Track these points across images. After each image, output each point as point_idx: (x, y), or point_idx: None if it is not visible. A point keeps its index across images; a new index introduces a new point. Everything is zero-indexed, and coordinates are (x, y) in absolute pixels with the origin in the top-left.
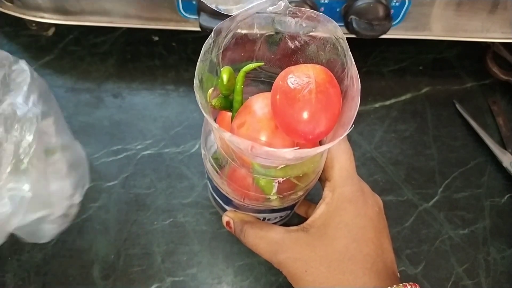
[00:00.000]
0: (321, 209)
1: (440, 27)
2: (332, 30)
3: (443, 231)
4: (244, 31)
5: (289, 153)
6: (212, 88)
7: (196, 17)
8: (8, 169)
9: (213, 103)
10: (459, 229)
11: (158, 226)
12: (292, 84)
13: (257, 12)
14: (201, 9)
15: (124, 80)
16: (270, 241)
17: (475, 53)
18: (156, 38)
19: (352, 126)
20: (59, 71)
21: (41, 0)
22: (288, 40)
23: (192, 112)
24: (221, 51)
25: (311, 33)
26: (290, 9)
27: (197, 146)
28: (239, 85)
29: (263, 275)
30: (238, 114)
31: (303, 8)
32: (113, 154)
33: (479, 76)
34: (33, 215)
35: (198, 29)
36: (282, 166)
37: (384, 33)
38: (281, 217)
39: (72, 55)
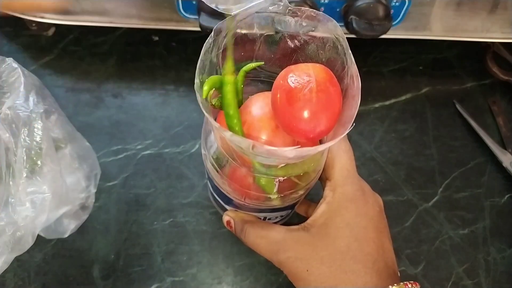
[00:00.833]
0: (322, 208)
1: (440, 27)
2: (332, 29)
3: (443, 231)
4: (243, 31)
5: (290, 152)
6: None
7: (196, 17)
8: (24, 174)
9: (213, 103)
10: (459, 229)
11: (158, 226)
12: (293, 83)
13: (257, 12)
14: (201, 9)
15: (124, 80)
16: (271, 240)
17: (475, 53)
18: (156, 38)
19: (353, 124)
20: (59, 71)
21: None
22: (288, 40)
23: (192, 112)
24: (221, 50)
25: (311, 33)
26: (289, 8)
27: (197, 146)
28: (239, 85)
29: (263, 275)
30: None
31: (302, 8)
32: (113, 154)
33: (479, 76)
34: (55, 214)
35: (198, 29)
36: (283, 165)
37: (384, 33)
38: (281, 216)
39: (72, 55)
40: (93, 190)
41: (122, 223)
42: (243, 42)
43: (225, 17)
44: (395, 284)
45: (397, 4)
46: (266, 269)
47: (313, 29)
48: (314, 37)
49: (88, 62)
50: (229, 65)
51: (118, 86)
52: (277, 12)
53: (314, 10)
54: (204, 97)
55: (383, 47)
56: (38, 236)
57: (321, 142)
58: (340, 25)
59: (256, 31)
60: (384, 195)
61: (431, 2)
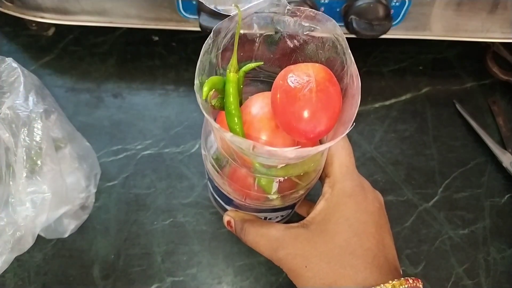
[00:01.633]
0: (321, 205)
1: (440, 27)
2: (331, 29)
3: (443, 231)
4: (243, 31)
5: (290, 152)
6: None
7: (196, 17)
8: (24, 174)
9: (213, 104)
10: (459, 229)
11: (158, 226)
12: (293, 83)
13: (256, 12)
14: (201, 9)
15: (124, 80)
16: (270, 238)
17: (475, 53)
18: (156, 38)
19: (353, 124)
20: (59, 71)
21: (41, 0)
22: (287, 40)
23: (192, 112)
24: (220, 51)
25: (310, 32)
26: (288, 8)
27: (197, 146)
28: (238, 85)
29: (263, 275)
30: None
31: (301, 7)
32: (113, 154)
33: (479, 76)
34: (55, 213)
35: (198, 29)
36: (283, 165)
37: (384, 33)
38: (282, 216)
39: (72, 55)
40: (93, 190)
41: (122, 223)
42: (242, 42)
43: (226, 17)
44: (395, 280)
45: (397, 4)
46: (266, 269)
47: (312, 28)
48: (313, 37)
49: (88, 62)
50: (233, 63)
51: (118, 86)
52: (276, 12)
53: (313, 10)
54: (204, 98)
55: (383, 47)
56: (38, 236)
57: (321, 141)
58: (340, 25)
59: (255, 31)
60: (384, 195)
61: (431, 2)
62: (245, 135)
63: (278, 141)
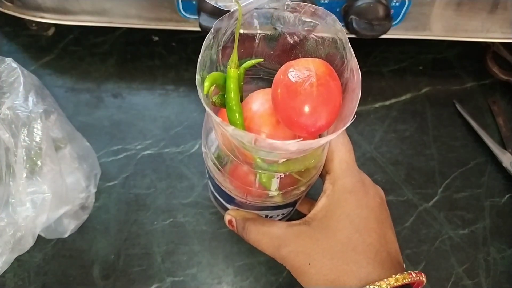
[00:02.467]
0: (322, 201)
1: (440, 27)
2: (331, 24)
3: (443, 231)
4: (242, 28)
5: (292, 145)
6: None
7: (196, 17)
8: (24, 174)
9: (213, 100)
10: (459, 229)
11: (158, 226)
12: (293, 77)
13: (256, 8)
14: (201, 9)
15: (124, 80)
16: (272, 236)
17: (475, 53)
18: (156, 38)
19: (354, 117)
20: (59, 71)
21: (41, 0)
22: (287, 36)
23: (192, 112)
24: (220, 47)
25: (310, 28)
26: (288, 4)
27: (197, 146)
28: (239, 81)
29: (263, 275)
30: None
31: (301, 3)
32: (113, 154)
33: (479, 76)
34: (55, 214)
35: (198, 29)
36: (284, 160)
37: (384, 33)
38: (283, 214)
39: (72, 55)
40: (93, 190)
41: (122, 223)
42: (242, 39)
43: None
44: (398, 274)
45: (397, 4)
46: (266, 269)
47: (312, 24)
48: (313, 32)
49: (88, 62)
50: (234, 59)
51: (118, 86)
52: (276, 8)
53: (313, 5)
54: (205, 93)
55: (383, 47)
56: (38, 236)
57: (321, 136)
58: None
59: (255, 27)
60: (384, 195)
61: (431, 2)
62: (246, 131)
63: (279, 136)
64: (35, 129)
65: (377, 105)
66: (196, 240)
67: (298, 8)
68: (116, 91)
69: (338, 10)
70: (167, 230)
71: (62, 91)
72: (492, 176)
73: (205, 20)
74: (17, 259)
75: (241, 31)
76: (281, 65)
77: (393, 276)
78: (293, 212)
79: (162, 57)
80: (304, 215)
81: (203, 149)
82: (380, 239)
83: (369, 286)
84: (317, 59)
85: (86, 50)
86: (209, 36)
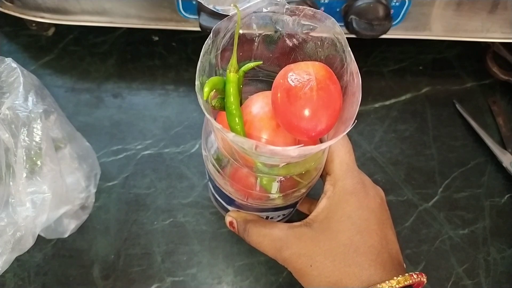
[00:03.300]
0: (323, 203)
1: (440, 27)
2: (330, 27)
3: (443, 231)
4: (242, 31)
5: (293, 151)
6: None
7: (196, 17)
8: (24, 174)
9: (213, 104)
10: (459, 229)
11: (158, 226)
12: (293, 81)
13: (255, 12)
14: (201, 9)
15: (124, 80)
16: (274, 238)
17: (475, 53)
18: (156, 38)
19: (355, 121)
20: (59, 71)
21: (41, 0)
22: (286, 38)
23: (192, 112)
24: (219, 51)
25: (309, 31)
26: (287, 7)
27: (197, 146)
28: (238, 85)
29: (263, 275)
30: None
31: (300, 6)
32: (113, 154)
33: (479, 76)
34: (55, 214)
35: (198, 29)
36: (285, 164)
37: (384, 33)
38: (284, 215)
39: (72, 55)
40: (93, 190)
41: (122, 223)
42: (241, 42)
43: (226, 17)
44: (400, 275)
45: (397, 4)
46: (266, 269)
47: (312, 27)
48: (312, 35)
49: (88, 62)
50: (233, 63)
51: (118, 86)
52: (275, 12)
53: (312, 9)
54: (204, 98)
55: (383, 47)
56: (38, 236)
57: (321, 140)
58: (340, 25)
59: (254, 30)
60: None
61: (431, 2)
62: (246, 135)
63: (279, 140)
64: (35, 129)
65: (377, 105)
66: (196, 240)
67: (297, 12)
68: (116, 91)
69: (338, 10)
70: (167, 230)
71: (62, 91)
72: (492, 176)
73: (205, 20)
74: (17, 259)
75: (241, 31)
76: (281, 68)
77: (395, 278)
78: (293, 212)
79: (162, 57)
80: (304, 215)
81: (203, 152)
82: (382, 240)
83: None
84: (317, 63)
85: (86, 50)
86: (208, 41)
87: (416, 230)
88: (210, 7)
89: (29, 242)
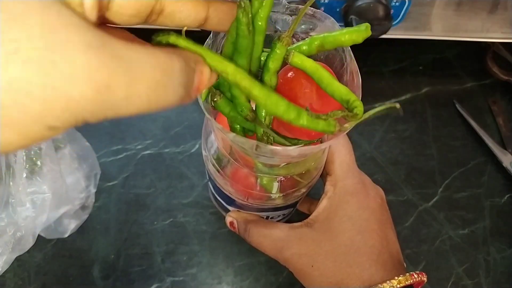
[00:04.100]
0: (323, 203)
1: (440, 27)
2: (330, 26)
3: (443, 231)
4: None
5: (293, 151)
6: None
7: None
8: (24, 175)
9: (213, 104)
10: (459, 229)
11: (158, 226)
12: (292, 81)
13: None
14: None
15: None
16: (274, 238)
17: (475, 53)
18: None
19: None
20: None
21: None
22: None
23: (192, 112)
24: (219, 51)
25: (308, 31)
26: (287, 7)
27: (197, 146)
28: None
29: (263, 275)
30: None
31: (300, 6)
32: (113, 154)
33: (479, 76)
34: (55, 214)
35: (198, 29)
36: (285, 164)
37: (384, 33)
38: (284, 214)
39: None
40: (93, 190)
41: (122, 223)
42: None
43: None
44: (401, 275)
45: (397, 4)
46: (266, 269)
47: (311, 26)
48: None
49: None
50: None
51: None
52: (274, 11)
53: (312, 8)
54: (203, 100)
55: (383, 47)
56: (38, 236)
57: (321, 139)
58: (340, 25)
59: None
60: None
61: (431, 2)
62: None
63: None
64: None
65: (377, 105)
66: (196, 240)
67: (296, 11)
68: None
69: (338, 10)
70: (167, 230)
71: None
72: (492, 176)
73: None
74: (17, 259)
75: None
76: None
77: (396, 277)
78: (293, 212)
79: None
80: (304, 215)
81: (203, 152)
82: (382, 241)
83: None
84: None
85: None
86: (208, 41)
87: (416, 230)
88: None
89: (29, 242)
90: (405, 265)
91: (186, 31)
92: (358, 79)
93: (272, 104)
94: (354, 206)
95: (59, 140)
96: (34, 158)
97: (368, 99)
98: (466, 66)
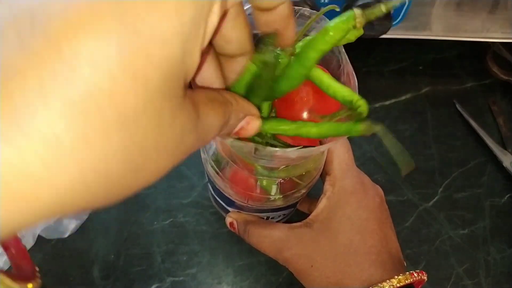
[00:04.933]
0: (323, 203)
1: (440, 27)
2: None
3: (443, 231)
4: None
5: (293, 153)
6: None
7: None
8: None
9: None
10: (459, 229)
11: (158, 226)
12: None
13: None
14: None
15: None
16: (274, 239)
17: (475, 53)
18: None
19: None
20: None
21: None
22: None
23: None
24: None
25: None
26: None
27: None
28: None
29: (263, 275)
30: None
31: (296, 7)
32: None
33: (479, 76)
34: None
35: None
36: (284, 166)
37: (384, 33)
38: (284, 215)
39: None
40: None
41: (122, 223)
42: None
43: None
44: (401, 274)
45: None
46: (266, 269)
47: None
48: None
49: None
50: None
51: None
52: None
53: (308, 9)
54: None
55: (383, 47)
56: (38, 236)
57: (320, 142)
58: None
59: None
60: (384, 195)
61: (431, 2)
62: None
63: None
64: None
65: (377, 105)
66: (196, 240)
67: (296, 11)
68: None
69: (338, 10)
70: (167, 230)
71: None
72: (492, 176)
73: None
74: None
75: None
76: None
77: (396, 277)
78: (293, 212)
79: None
80: (304, 214)
81: (202, 155)
82: (381, 240)
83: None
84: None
85: None
86: None
87: (416, 230)
88: None
89: (29, 243)
90: (405, 264)
91: None
92: (355, 81)
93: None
94: (353, 206)
95: None
96: None
97: (368, 99)
98: (466, 66)
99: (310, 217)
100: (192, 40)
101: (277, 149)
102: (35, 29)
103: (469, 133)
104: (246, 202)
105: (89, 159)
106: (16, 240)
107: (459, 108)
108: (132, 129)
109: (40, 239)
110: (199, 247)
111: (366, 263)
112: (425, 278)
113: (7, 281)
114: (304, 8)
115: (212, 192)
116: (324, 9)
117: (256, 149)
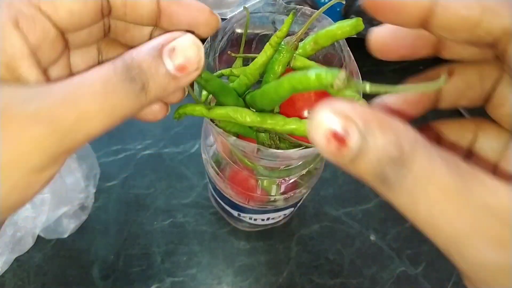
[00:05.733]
0: None
1: None
2: (327, 27)
3: None
4: (239, 30)
5: (295, 153)
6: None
7: None
8: None
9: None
10: None
11: (158, 226)
12: None
13: (251, 13)
14: None
15: None
16: None
17: None
18: None
19: None
20: None
21: None
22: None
23: None
24: (217, 54)
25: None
26: (285, 7)
27: (197, 146)
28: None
29: (263, 275)
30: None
31: (298, 6)
32: (112, 154)
33: None
34: (55, 214)
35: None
36: (285, 166)
37: None
38: (285, 215)
39: None
40: (92, 190)
41: (122, 223)
42: (238, 44)
43: (223, 20)
44: None
45: None
46: (266, 269)
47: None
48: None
49: None
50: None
51: None
52: (272, 12)
53: (310, 9)
54: (203, 101)
55: None
56: (38, 236)
57: None
58: None
59: (252, 31)
60: None
61: None
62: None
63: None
64: None
65: None
66: (196, 240)
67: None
68: None
69: (338, 10)
70: (167, 230)
71: None
72: None
73: None
74: (17, 259)
75: (239, 30)
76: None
77: None
78: (294, 211)
79: None
80: (302, 216)
81: (203, 155)
82: None
83: None
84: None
85: None
86: (206, 45)
87: (416, 230)
88: None
89: (29, 243)
90: (405, 263)
91: None
92: (358, 79)
93: None
94: None
95: None
96: None
97: (369, 99)
98: None
99: None
100: None
101: (278, 150)
102: None
103: None
104: (246, 203)
105: None
106: None
107: (459, 108)
108: None
109: (39, 239)
110: (199, 248)
111: None
112: None
113: None
114: (306, 8)
115: (213, 192)
116: (326, 6)
117: (258, 149)
